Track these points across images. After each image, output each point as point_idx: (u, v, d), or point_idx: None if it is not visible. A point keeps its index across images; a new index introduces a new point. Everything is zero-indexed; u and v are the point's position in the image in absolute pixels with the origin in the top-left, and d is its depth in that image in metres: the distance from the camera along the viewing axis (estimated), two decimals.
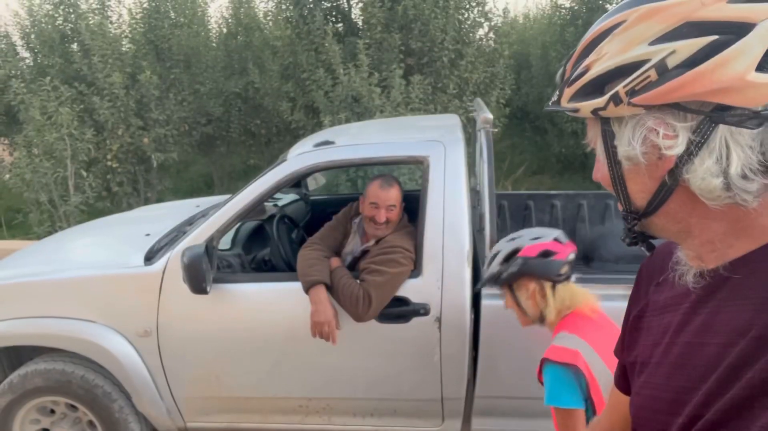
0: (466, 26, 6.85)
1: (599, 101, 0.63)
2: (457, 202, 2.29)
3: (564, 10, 9.06)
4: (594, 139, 0.70)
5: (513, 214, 3.82)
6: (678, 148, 0.59)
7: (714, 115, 0.56)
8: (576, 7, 8.52)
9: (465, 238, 2.28)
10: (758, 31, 0.54)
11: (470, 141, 3.80)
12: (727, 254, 0.64)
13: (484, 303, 2.26)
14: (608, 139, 0.66)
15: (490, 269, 1.83)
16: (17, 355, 2.76)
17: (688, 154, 0.59)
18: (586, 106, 0.65)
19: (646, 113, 0.60)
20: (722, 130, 0.57)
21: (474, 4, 6.90)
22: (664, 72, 0.57)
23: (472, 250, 2.31)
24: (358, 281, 2.22)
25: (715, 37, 0.55)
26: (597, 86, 0.63)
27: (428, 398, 2.38)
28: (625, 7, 0.61)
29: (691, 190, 0.61)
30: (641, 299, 0.81)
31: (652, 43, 0.58)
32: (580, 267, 3.71)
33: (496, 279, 1.81)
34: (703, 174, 0.59)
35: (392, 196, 2.40)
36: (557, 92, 0.70)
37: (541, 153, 9.73)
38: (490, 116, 2.42)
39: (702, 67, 0.55)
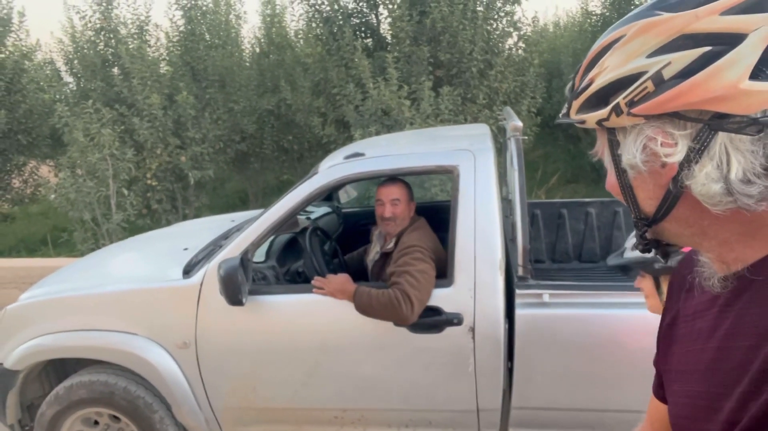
0: (495, 36, 6.85)
1: (602, 112, 0.65)
2: (488, 210, 2.29)
3: (595, 17, 8.98)
4: (601, 149, 0.72)
5: (546, 222, 3.78)
6: (677, 155, 0.60)
7: (712, 122, 0.58)
8: (607, 14, 8.44)
9: (497, 247, 2.27)
10: (750, 41, 0.56)
11: (501, 150, 3.78)
12: (747, 254, 0.64)
13: (518, 312, 2.24)
14: (613, 148, 0.68)
15: (641, 253, 1.57)
16: (63, 368, 2.85)
17: (688, 161, 0.60)
18: (591, 118, 0.67)
19: (646, 123, 0.62)
20: (722, 136, 0.58)
21: (503, 14, 6.90)
22: (660, 83, 0.59)
23: (504, 259, 2.30)
24: (390, 287, 2.24)
25: (709, 48, 0.57)
26: (601, 98, 0.65)
27: (463, 409, 2.36)
28: (625, 23, 0.64)
29: (693, 196, 0.62)
30: (673, 307, 0.81)
31: (649, 56, 0.60)
32: (617, 276, 3.64)
33: (644, 266, 1.60)
34: (703, 180, 0.59)
35: (394, 190, 2.53)
36: (566, 105, 0.72)
37: (574, 161, 9.61)
38: (520, 124, 2.42)
39: (696, 77, 0.57)
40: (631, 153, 0.64)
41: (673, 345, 0.77)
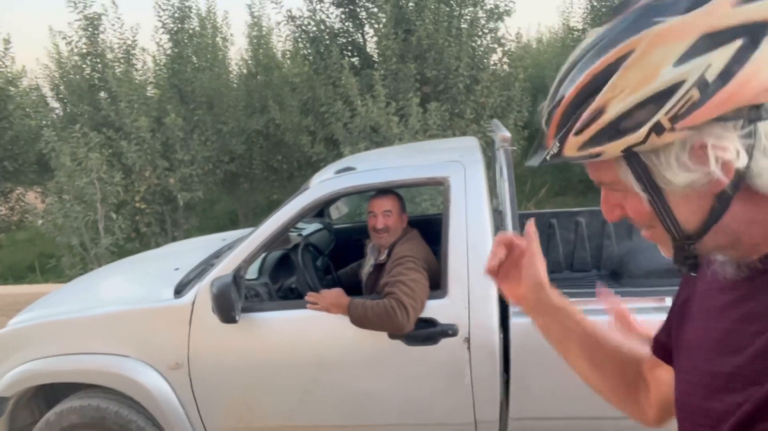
0: (480, 52, 6.95)
1: (635, 136, 0.59)
2: (480, 220, 2.30)
3: (576, 32, 9.15)
4: (612, 179, 0.66)
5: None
6: (737, 159, 0.57)
7: (752, 114, 0.56)
8: (589, 29, 8.59)
9: None
10: None
11: (490, 164, 3.81)
12: (763, 249, 0.64)
13: (513, 321, 2.23)
14: (643, 173, 0.62)
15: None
16: (53, 393, 2.80)
17: (743, 161, 0.58)
18: (615, 146, 0.61)
19: (691, 135, 0.58)
20: (761, 127, 0.56)
21: (486, 30, 7.02)
22: (705, 88, 0.55)
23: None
24: (384, 297, 2.24)
25: (740, 40, 0.55)
26: (626, 123, 0.60)
27: (461, 422, 2.34)
28: (625, 37, 0.59)
29: (750, 194, 0.60)
30: (687, 286, 0.82)
31: (677, 64, 0.56)
32: (609, 284, 3.66)
33: None
34: (765, 173, 0.58)
35: (386, 202, 2.54)
36: (554, 143, 0.66)
37: (562, 174, 9.68)
38: (509, 134, 2.45)
39: (744, 72, 0.54)
40: (675, 170, 0.60)
41: (685, 323, 0.79)
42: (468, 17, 6.91)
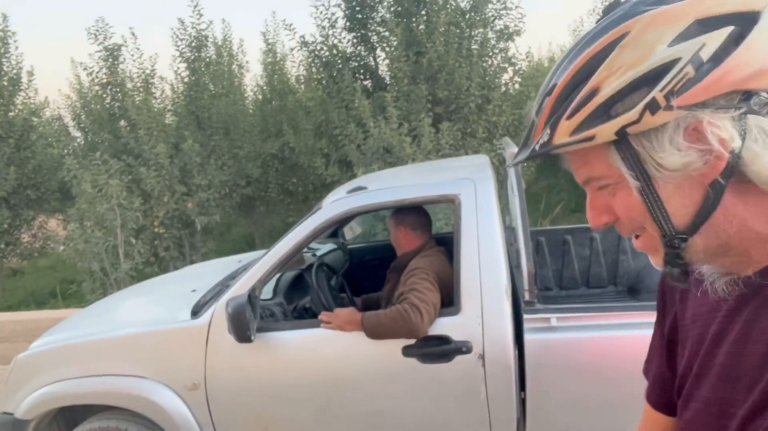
0: (491, 72, 7.01)
1: (629, 116, 0.57)
2: (491, 237, 2.31)
3: None
4: (601, 169, 0.63)
5: (552, 249, 3.78)
6: (734, 141, 0.56)
7: (743, 104, 0.55)
8: None
9: (502, 273, 2.27)
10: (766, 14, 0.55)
11: (503, 183, 3.82)
12: (762, 259, 0.62)
13: (527, 337, 2.22)
14: (633, 160, 0.60)
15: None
16: (73, 415, 2.83)
17: (738, 143, 0.56)
18: (609, 128, 0.59)
19: (683, 116, 0.56)
20: (752, 119, 0.55)
21: (497, 51, 7.08)
22: (700, 66, 0.55)
23: (510, 285, 2.30)
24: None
25: (732, 26, 0.55)
26: (618, 102, 0.58)
27: None
28: (621, 20, 0.59)
29: (743, 184, 0.58)
30: (670, 312, 0.80)
31: (671, 44, 0.56)
32: (626, 299, 3.62)
33: None
34: (762, 161, 0.56)
35: (388, 222, 2.78)
36: (545, 131, 0.63)
37: (577, 191, 9.63)
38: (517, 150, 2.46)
39: (737, 53, 0.55)
40: (668, 152, 0.58)
41: (677, 349, 0.76)
42: (478, 38, 7.00)
